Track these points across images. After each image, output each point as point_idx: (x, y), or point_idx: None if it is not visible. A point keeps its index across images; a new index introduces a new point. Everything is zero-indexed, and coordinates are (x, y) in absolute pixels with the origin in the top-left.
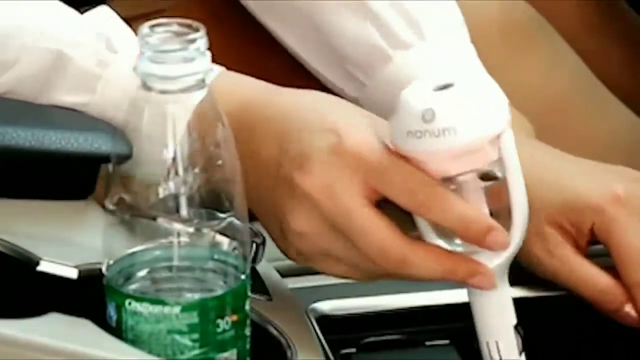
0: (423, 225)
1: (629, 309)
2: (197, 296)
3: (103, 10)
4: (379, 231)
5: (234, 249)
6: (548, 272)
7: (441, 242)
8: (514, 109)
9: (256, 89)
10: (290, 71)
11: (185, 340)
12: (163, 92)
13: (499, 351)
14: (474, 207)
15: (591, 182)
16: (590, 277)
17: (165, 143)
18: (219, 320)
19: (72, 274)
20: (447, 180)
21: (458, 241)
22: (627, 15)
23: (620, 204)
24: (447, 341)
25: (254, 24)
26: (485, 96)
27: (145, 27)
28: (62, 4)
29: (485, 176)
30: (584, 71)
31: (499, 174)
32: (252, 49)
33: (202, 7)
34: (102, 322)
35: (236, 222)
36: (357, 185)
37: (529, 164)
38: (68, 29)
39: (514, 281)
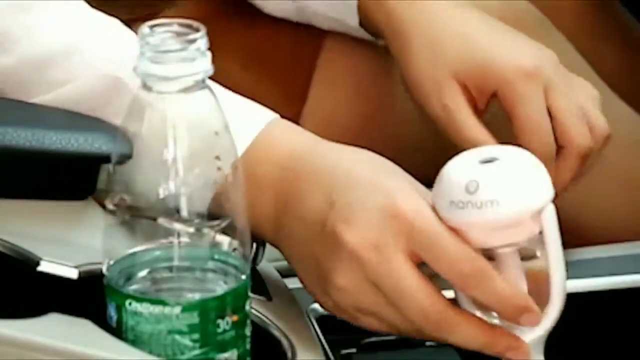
0: (460, 293)
1: None
2: (197, 296)
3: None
4: (421, 294)
5: (234, 249)
6: (438, 122)
7: (478, 313)
8: None
9: (307, 140)
10: (274, 43)
11: (186, 341)
12: (163, 92)
13: None
14: (511, 284)
15: (507, 52)
16: (473, 135)
17: (166, 143)
18: (220, 321)
19: (72, 274)
20: (487, 250)
21: (495, 313)
22: (622, 16)
23: (528, 78)
24: None
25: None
26: (528, 171)
27: (145, 27)
28: (121, 24)
29: (524, 252)
30: (583, 68)
31: (537, 252)
32: (237, 23)
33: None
34: (102, 322)
35: (236, 222)
36: (403, 248)
37: (458, 21)
38: (126, 53)
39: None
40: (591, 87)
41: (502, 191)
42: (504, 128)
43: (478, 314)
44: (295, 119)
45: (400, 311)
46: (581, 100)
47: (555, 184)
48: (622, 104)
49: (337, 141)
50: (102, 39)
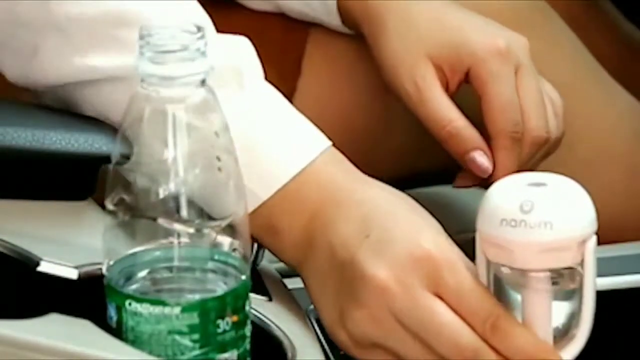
0: None
1: (477, 155)
2: (197, 297)
3: (243, 42)
4: (453, 327)
5: (234, 249)
6: (408, 100)
7: None
8: None
9: (351, 172)
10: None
11: (186, 341)
12: (163, 92)
13: None
14: (536, 322)
15: (481, 33)
16: (442, 113)
17: (166, 143)
18: (220, 321)
19: (72, 274)
20: (522, 271)
21: None
22: (611, 12)
23: (500, 57)
24: None
25: None
26: (581, 199)
27: (145, 28)
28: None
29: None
30: (585, 55)
31: (571, 285)
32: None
33: None
34: (102, 322)
35: (236, 222)
36: (429, 289)
37: (433, 6)
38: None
39: None
40: (556, 92)
41: (557, 214)
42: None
43: None
44: (289, 96)
45: (429, 345)
46: (548, 90)
47: (499, 168)
48: (626, 93)
49: (333, 117)
50: None
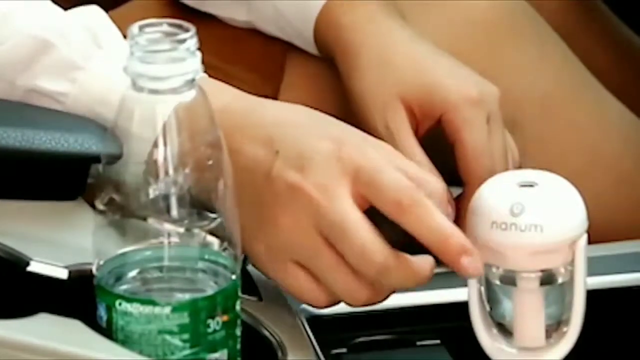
0: (478, 320)
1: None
2: (187, 296)
3: (91, 9)
4: (364, 232)
5: (225, 249)
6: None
7: (502, 344)
8: None
9: (237, 95)
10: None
11: (176, 341)
12: (153, 92)
13: None
14: (527, 314)
15: (454, 79)
16: (409, 156)
17: (156, 143)
18: (210, 321)
19: (63, 274)
20: (511, 272)
21: (515, 344)
22: (608, 17)
23: (473, 105)
24: (437, 341)
25: None
26: (571, 199)
27: (135, 27)
28: (50, 2)
29: (544, 279)
30: (574, 62)
31: (559, 279)
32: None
33: None
34: (92, 322)
35: (227, 222)
36: (348, 189)
37: (407, 44)
38: (56, 20)
39: None
40: (513, 142)
41: (547, 217)
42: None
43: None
44: (272, 98)
45: (343, 250)
46: (508, 140)
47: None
48: (615, 101)
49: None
50: (32, 9)
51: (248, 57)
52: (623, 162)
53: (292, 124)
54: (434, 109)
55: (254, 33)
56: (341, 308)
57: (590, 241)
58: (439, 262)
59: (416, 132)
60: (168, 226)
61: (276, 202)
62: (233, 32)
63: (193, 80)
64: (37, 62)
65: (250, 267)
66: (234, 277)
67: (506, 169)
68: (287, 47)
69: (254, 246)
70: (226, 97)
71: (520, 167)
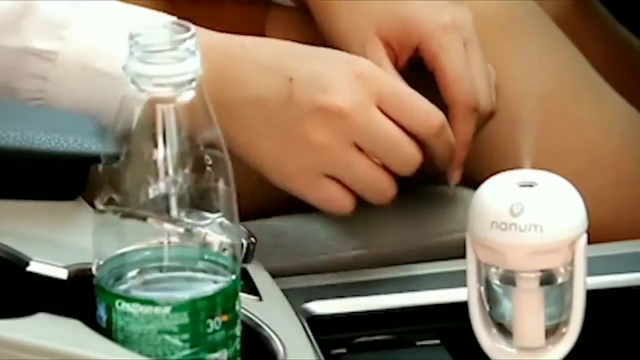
0: (478, 320)
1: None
2: (187, 296)
3: None
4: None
5: (224, 249)
6: None
7: (502, 344)
8: None
9: (231, 37)
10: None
11: (176, 341)
12: (153, 92)
13: None
14: (526, 311)
15: (427, 8)
16: None
17: (155, 143)
18: (210, 321)
19: (62, 274)
20: (510, 272)
21: (515, 344)
22: (605, 18)
23: (448, 30)
24: (437, 341)
25: None
26: (571, 199)
27: (134, 28)
28: None
29: (544, 279)
30: (578, 59)
31: (559, 279)
32: None
33: None
34: (92, 322)
35: (226, 222)
36: (375, 104)
37: None
38: None
39: None
40: (490, 65)
41: (547, 217)
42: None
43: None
44: None
45: (387, 159)
46: (489, 69)
47: (459, 137)
48: (619, 99)
49: None
50: None
51: (228, 21)
52: (624, 160)
53: (299, 52)
54: (411, 39)
55: (229, 5)
56: (341, 309)
57: (590, 240)
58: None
59: (396, 65)
60: (168, 226)
61: (304, 123)
62: (208, 6)
63: (193, 80)
64: (23, 23)
65: (250, 267)
66: (233, 277)
67: (489, 93)
68: (267, 9)
69: (283, 169)
70: (228, 37)
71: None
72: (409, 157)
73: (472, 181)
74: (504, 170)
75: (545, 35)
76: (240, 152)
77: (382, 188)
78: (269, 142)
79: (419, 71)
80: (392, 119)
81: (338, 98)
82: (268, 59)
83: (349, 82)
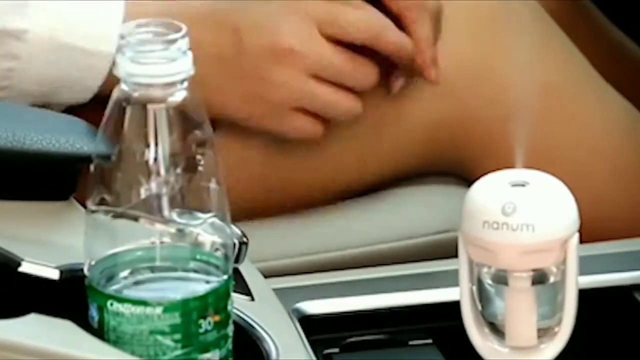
0: (470, 319)
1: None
2: (179, 297)
3: None
4: (359, 60)
5: (216, 249)
6: None
7: (494, 343)
8: None
9: (156, 6)
10: None
11: (168, 341)
12: (145, 92)
13: None
14: (518, 312)
15: None
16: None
17: (147, 143)
18: (201, 321)
19: (54, 274)
20: (503, 271)
21: (507, 343)
22: (597, 18)
23: None
24: (429, 340)
25: None
26: (563, 199)
27: (126, 27)
28: None
29: (536, 278)
30: (577, 55)
31: (551, 279)
32: None
33: None
34: (84, 323)
35: (218, 222)
36: (319, 32)
37: None
38: None
39: None
40: None
41: (538, 216)
42: None
43: (495, 343)
44: None
45: (344, 79)
46: None
47: (418, 42)
48: (617, 94)
49: None
50: None
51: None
52: (623, 155)
53: (233, 4)
54: None
55: None
56: (333, 309)
57: (591, 234)
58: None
59: None
60: (159, 226)
61: (260, 68)
62: None
63: (185, 79)
64: None
65: (242, 267)
66: (225, 277)
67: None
68: None
69: (254, 111)
70: (160, 4)
71: None
72: (363, 71)
73: (469, 178)
74: (503, 164)
75: (544, 31)
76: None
77: (347, 107)
78: (232, 94)
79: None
80: (337, 40)
81: (285, 37)
82: (208, 15)
83: (290, 19)
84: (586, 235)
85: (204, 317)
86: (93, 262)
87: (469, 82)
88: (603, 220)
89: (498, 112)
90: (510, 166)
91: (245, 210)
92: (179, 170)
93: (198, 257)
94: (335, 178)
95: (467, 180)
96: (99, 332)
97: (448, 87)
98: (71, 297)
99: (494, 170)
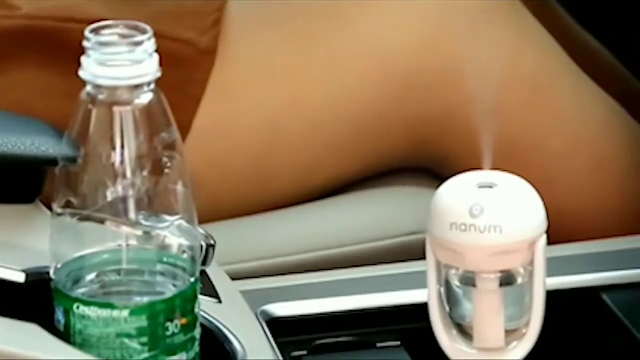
0: (438, 321)
1: None
2: (146, 299)
3: None
4: None
5: (183, 252)
6: None
7: (462, 345)
8: None
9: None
10: None
11: (135, 344)
12: (111, 94)
13: None
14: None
15: None
16: None
17: (113, 146)
18: (168, 324)
19: (20, 278)
20: (471, 273)
21: (475, 345)
22: (563, 18)
23: None
24: (398, 342)
25: None
26: (530, 200)
27: (91, 29)
28: None
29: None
30: (555, 47)
31: (518, 280)
32: None
33: None
34: (50, 326)
35: (185, 224)
36: None
37: None
38: None
39: None
40: None
41: (506, 218)
42: None
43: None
44: (210, 55)
45: None
46: None
47: None
48: (594, 85)
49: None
50: None
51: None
52: (602, 146)
53: None
54: None
55: None
56: (301, 311)
57: (572, 224)
58: None
59: None
60: (126, 229)
61: None
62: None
63: (151, 82)
64: None
65: (209, 269)
66: (192, 279)
67: None
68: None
69: None
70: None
71: None
72: None
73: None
74: (481, 159)
75: (523, 23)
76: None
77: None
78: None
79: None
80: None
81: None
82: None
83: None
84: (565, 227)
85: (171, 320)
86: (59, 265)
87: (448, 76)
88: (583, 208)
89: (476, 106)
90: (489, 157)
91: (223, 207)
92: (145, 173)
93: (165, 260)
94: (314, 172)
95: (442, 178)
96: (66, 335)
97: (427, 82)
98: (37, 301)
99: (474, 166)
